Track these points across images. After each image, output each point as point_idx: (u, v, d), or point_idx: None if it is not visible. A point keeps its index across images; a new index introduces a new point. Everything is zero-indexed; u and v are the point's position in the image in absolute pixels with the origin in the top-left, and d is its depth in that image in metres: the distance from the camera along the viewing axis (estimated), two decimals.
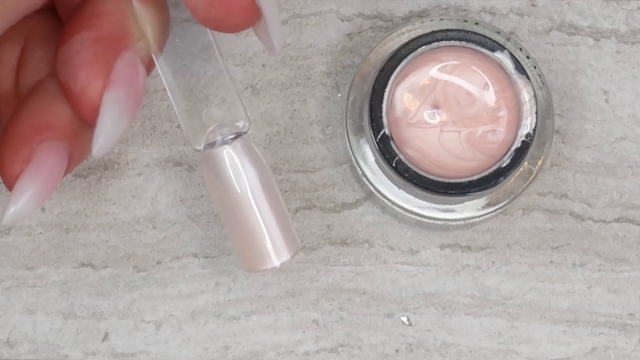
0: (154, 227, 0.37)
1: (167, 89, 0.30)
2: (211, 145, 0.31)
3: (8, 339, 0.37)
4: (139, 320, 0.37)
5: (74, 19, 0.29)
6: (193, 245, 0.37)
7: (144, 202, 0.37)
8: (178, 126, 0.37)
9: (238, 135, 0.31)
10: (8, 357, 0.37)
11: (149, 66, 0.30)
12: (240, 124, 0.32)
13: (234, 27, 0.28)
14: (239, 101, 0.32)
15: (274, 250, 0.32)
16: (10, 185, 0.28)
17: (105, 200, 0.37)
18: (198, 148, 0.31)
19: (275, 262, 0.32)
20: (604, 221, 0.37)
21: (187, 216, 0.37)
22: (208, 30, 0.31)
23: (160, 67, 0.30)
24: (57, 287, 0.37)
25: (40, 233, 0.37)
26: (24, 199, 0.28)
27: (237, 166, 0.31)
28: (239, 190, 0.31)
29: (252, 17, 0.28)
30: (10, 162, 0.28)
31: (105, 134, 0.28)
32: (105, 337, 0.37)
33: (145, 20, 0.29)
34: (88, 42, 0.28)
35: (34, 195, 0.28)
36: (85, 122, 0.29)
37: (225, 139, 0.31)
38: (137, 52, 0.29)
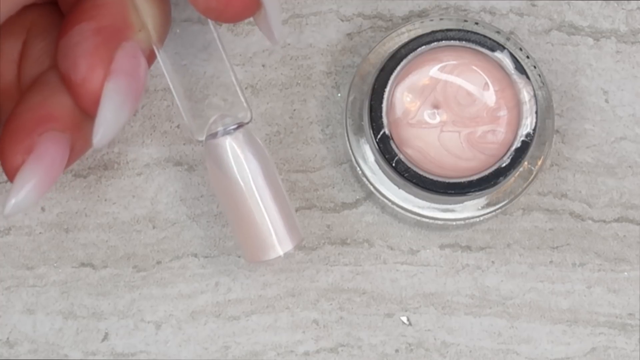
0: (154, 227, 0.37)
1: (167, 79, 0.30)
2: (213, 135, 0.31)
3: (8, 339, 0.37)
4: (139, 320, 0.37)
5: (74, 10, 0.29)
6: (193, 245, 0.37)
7: (144, 202, 0.37)
8: (178, 126, 0.37)
9: (240, 125, 0.31)
10: (8, 357, 0.37)
11: (150, 58, 0.30)
12: (241, 115, 0.32)
13: (234, 17, 0.28)
14: (241, 92, 0.32)
15: (277, 240, 0.32)
16: (11, 177, 0.28)
17: (105, 200, 0.37)
18: (200, 139, 0.31)
19: (279, 252, 0.32)
20: (604, 221, 0.37)
21: (187, 216, 0.37)
22: (210, 22, 0.31)
23: (161, 57, 0.30)
24: (57, 287, 0.37)
25: (40, 233, 0.37)
26: (25, 190, 0.28)
27: (238, 156, 0.31)
28: (240, 181, 0.31)
29: (252, 7, 0.28)
30: (11, 153, 0.28)
31: (106, 124, 0.28)
32: (105, 337, 0.37)
33: (145, 12, 0.29)
34: (89, 33, 0.28)
35: (35, 187, 0.28)
36: (86, 112, 0.29)
37: (227, 129, 0.31)
38: (137, 43, 0.29)
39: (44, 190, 0.28)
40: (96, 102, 0.28)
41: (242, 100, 0.32)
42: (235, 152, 0.31)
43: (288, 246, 0.32)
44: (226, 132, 0.31)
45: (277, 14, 0.29)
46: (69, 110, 0.29)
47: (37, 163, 0.28)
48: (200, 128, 0.31)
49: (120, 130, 0.29)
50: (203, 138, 0.31)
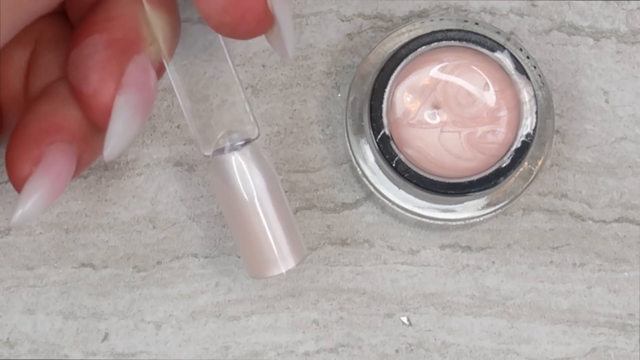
0: (154, 227, 0.37)
1: (176, 93, 0.31)
2: (220, 151, 0.31)
3: (8, 339, 0.37)
4: (139, 320, 0.37)
5: (86, 22, 0.29)
6: (193, 245, 0.37)
7: (144, 202, 0.37)
8: (178, 126, 0.37)
9: (247, 141, 0.31)
10: (8, 357, 0.37)
11: (160, 71, 0.30)
12: (249, 130, 0.32)
13: (247, 34, 0.28)
14: (249, 108, 0.32)
15: (280, 257, 0.32)
16: (18, 187, 0.28)
17: (105, 200, 0.37)
18: (207, 154, 0.31)
19: (281, 269, 0.32)
20: (604, 221, 0.37)
21: (187, 216, 0.37)
22: (220, 37, 0.31)
23: (170, 71, 0.30)
24: (57, 287, 0.37)
25: (40, 233, 0.37)
26: (32, 200, 0.28)
27: (245, 173, 0.31)
28: (246, 197, 0.31)
29: (265, 24, 0.28)
30: (19, 163, 0.28)
31: (117, 137, 0.28)
32: (105, 337, 0.37)
33: (157, 25, 0.29)
34: (100, 45, 0.28)
35: (42, 197, 0.28)
36: (96, 125, 0.29)
37: (235, 145, 0.31)
38: (148, 56, 0.29)
39: (50, 201, 0.28)
40: (107, 115, 0.28)
41: (250, 116, 0.32)
42: (241, 168, 0.31)
43: (291, 264, 0.32)
44: (233, 148, 0.31)
45: (290, 31, 0.29)
46: (77, 122, 0.29)
47: (44, 174, 0.28)
48: (208, 143, 0.31)
49: (130, 143, 0.29)
50: (210, 153, 0.31)
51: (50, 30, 0.31)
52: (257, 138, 0.32)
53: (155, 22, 0.29)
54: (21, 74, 0.30)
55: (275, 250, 0.32)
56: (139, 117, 0.28)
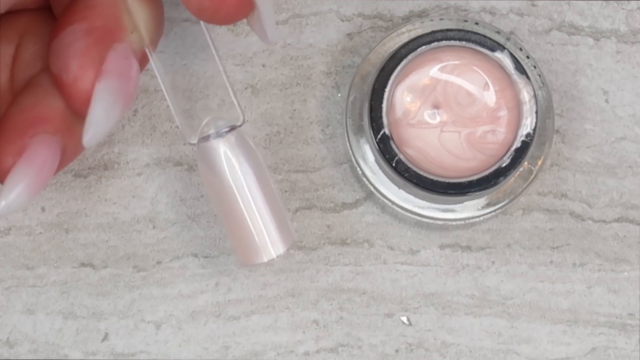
0: (154, 227, 0.37)
1: (160, 82, 0.30)
2: (205, 138, 0.31)
3: (8, 339, 0.37)
4: (139, 320, 0.37)
5: (67, 11, 0.29)
6: (193, 245, 0.37)
7: (144, 202, 0.37)
8: (178, 126, 0.37)
9: (232, 128, 0.31)
10: (8, 357, 0.37)
11: (143, 60, 0.30)
12: (234, 117, 0.32)
13: (227, 19, 0.28)
14: (233, 94, 0.32)
15: (270, 243, 0.32)
16: (1, 178, 0.28)
17: (105, 200, 0.37)
18: (192, 142, 0.31)
19: (271, 254, 0.32)
20: (604, 221, 0.37)
21: (187, 216, 0.37)
22: (202, 24, 0.31)
23: (153, 60, 0.30)
24: (57, 287, 0.37)
25: (40, 233, 0.37)
26: (15, 192, 0.28)
27: (230, 159, 0.31)
28: (232, 184, 0.31)
29: (245, 8, 0.28)
30: (2, 155, 0.28)
31: (96, 124, 0.28)
32: (105, 337, 0.37)
33: (138, 14, 0.29)
34: (80, 34, 0.28)
35: (25, 189, 0.28)
36: (77, 113, 0.29)
37: (220, 131, 0.31)
38: (129, 44, 0.29)
39: (34, 192, 0.28)
40: (87, 102, 0.28)
41: (235, 102, 0.32)
42: (227, 154, 0.31)
43: (280, 249, 0.32)
44: (218, 135, 0.31)
45: (270, 15, 0.29)
46: (60, 112, 0.29)
47: (27, 165, 0.28)
48: (193, 130, 0.31)
49: (110, 131, 0.28)
50: (195, 141, 0.31)
51: (34, 25, 0.31)
52: (242, 124, 0.32)
53: (137, 10, 0.29)
54: (7, 70, 0.30)
55: (265, 236, 0.32)
56: (120, 105, 0.28)
